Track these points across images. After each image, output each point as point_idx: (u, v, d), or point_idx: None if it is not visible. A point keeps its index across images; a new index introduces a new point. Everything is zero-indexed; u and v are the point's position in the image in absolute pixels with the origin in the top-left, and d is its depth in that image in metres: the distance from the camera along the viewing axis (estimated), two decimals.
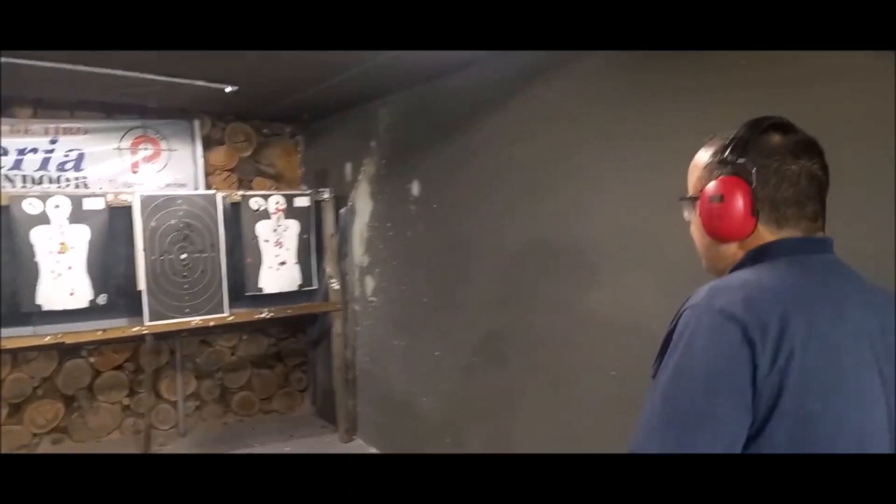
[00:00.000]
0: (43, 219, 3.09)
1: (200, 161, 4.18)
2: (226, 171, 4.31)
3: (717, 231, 0.99)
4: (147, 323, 3.29)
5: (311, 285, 3.81)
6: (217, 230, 3.48)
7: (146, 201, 3.30)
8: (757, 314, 0.84)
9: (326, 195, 3.88)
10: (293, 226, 3.73)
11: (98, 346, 3.81)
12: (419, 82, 3.18)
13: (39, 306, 3.09)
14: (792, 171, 0.95)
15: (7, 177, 3.66)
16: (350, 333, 4.01)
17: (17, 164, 3.69)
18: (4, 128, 3.64)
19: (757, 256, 0.96)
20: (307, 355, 4.59)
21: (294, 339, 4.58)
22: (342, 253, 4.02)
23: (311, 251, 3.80)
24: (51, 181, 3.77)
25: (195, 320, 3.42)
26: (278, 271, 3.68)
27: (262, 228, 3.63)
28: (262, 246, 3.63)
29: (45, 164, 3.75)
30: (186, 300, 3.40)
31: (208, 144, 4.25)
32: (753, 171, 0.94)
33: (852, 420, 0.87)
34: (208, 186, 4.20)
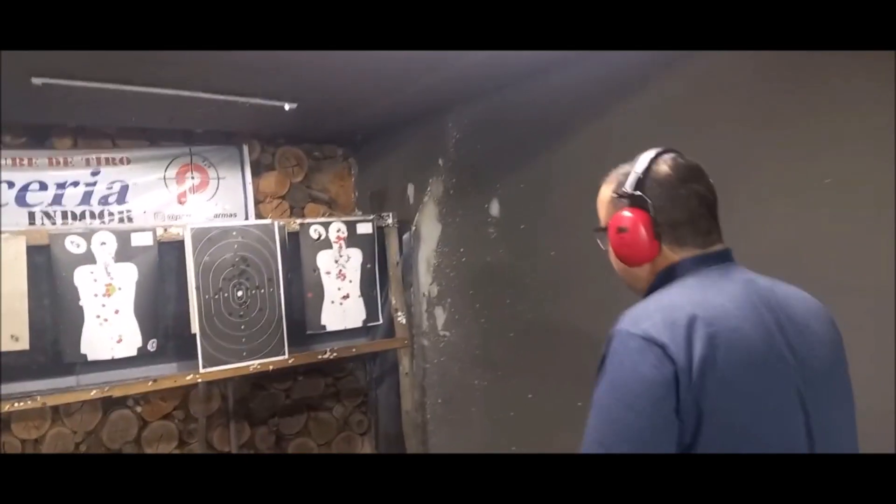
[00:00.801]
0: (88, 258, 2.78)
1: (250, 188, 3.87)
2: (276, 198, 3.99)
3: (628, 258, 1.12)
4: (202, 370, 2.94)
5: (376, 320, 3.44)
6: (275, 263, 3.14)
7: (198, 234, 2.98)
8: (674, 334, 0.94)
9: (390, 220, 3.52)
10: (356, 255, 3.38)
11: (145, 395, 3.48)
12: (494, 91, 2.83)
13: (85, 356, 2.76)
14: (682, 195, 1.08)
15: (47, 213, 3.38)
16: (419, 371, 3.63)
17: (58, 200, 3.40)
18: (42, 160, 3.37)
19: (666, 277, 1.09)
20: (367, 395, 4.20)
21: (352, 377, 4.21)
22: (406, 282, 3.65)
23: (375, 282, 3.44)
24: (93, 216, 3.48)
25: (253, 364, 3.06)
26: (341, 306, 3.32)
27: (324, 259, 3.29)
28: (324, 278, 3.28)
29: (86, 198, 3.46)
30: (243, 342, 3.05)
31: (257, 170, 3.94)
32: (649, 200, 1.08)
33: (769, 414, 0.95)
34: (258, 215, 3.89)
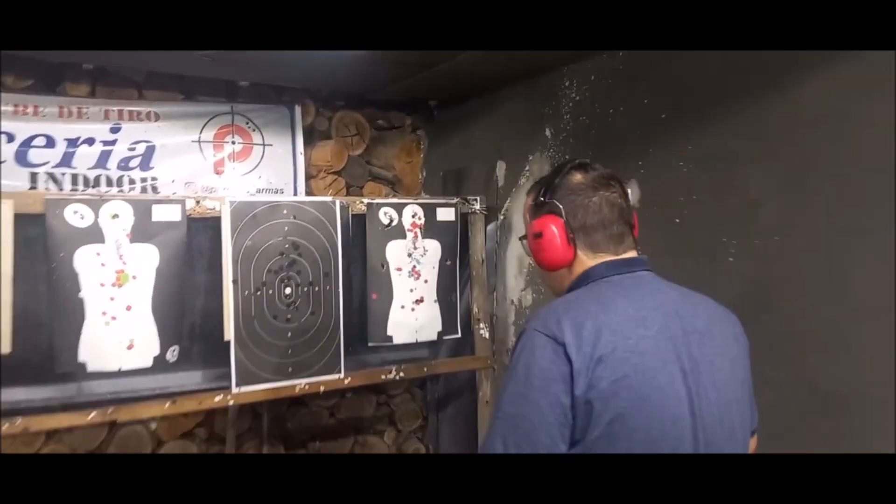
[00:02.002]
0: (94, 235, 2.09)
1: (301, 160, 3.16)
2: (331, 173, 3.28)
3: (545, 261, 1.20)
4: (235, 390, 2.24)
5: (454, 332, 2.71)
6: (334, 253, 2.43)
7: (240, 210, 2.27)
8: (576, 334, 1.01)
9: (477, 206, 2.78)
10: (433, 248, 2.65)
11: None
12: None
13: (83, 366, 2.08)
14: (593, 203, 1.18)
15: (52, 176, 2.72)
16: None
17: (67, 160, 2.73)
18: (51, 109, 2.70)
19: (580, 282, 1.18)
20: (427, 418, 3.49)
21: (409, 395, 3.49)
22: (490, 285, 2.91)
23: (455, 284, 2.71)
24: (110, 183, 2.81)
25: (300, 384, 2.36)
26: (413, 312, 2.60)
27: (395, 251, 2.56)
28: (394, 276, 2.55)
29: (103, 159, 2.79)
30: (289, 355, 2.34)
31: (310, 138, 3.23)
32: (562, 207, 1.17)
33: (657, 415, 1.00)
34: (309, 193, 3.18)
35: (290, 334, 2.35)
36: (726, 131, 1.87)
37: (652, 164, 2.12)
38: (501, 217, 2.89)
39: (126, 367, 2.13)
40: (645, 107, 2.14)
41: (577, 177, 1.19)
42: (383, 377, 2.52)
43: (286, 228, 2.35)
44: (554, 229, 1.16)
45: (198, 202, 2.23)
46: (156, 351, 2.18)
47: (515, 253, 2.80)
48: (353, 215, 2.49)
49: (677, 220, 2.03)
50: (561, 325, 1.02)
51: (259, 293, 2.30)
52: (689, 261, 1.97)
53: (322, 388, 2.40)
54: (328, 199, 2.44)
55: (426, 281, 2.62)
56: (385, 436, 3.41)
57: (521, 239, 1.32)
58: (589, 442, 0.97)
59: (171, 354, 2.21)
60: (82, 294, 2.07)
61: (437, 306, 2.65)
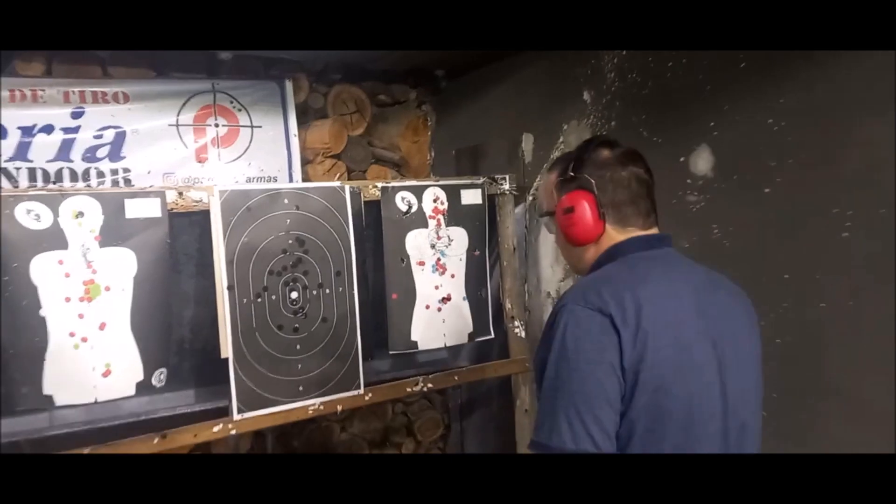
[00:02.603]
0: (54, 239, 1.69)
1: (295, 143, 2.77)
2: (329, 156, 2.89)
3: (575, 237, 1.19)
4: (237, 417, 1.87)
5: (487, 333, 2.34)
6: (347, 248, 2.05)
7: (232, 202, 1.89)
8: (619, 306, 1.01)
9: (506, 185, 2.41)
10: (459, 237, 2.28)
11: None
12: None
13: (49, 398, 1.69)
14: (623, 177, 1.17)
15: (6, 172, 2.31)
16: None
17: (22, 152, 2.32)
18: (4, 93, 2.28)
19: (610, 256, 1.16)
20: (450, 427, 3.13)
21: (427, 401, 3.14)
22: (521, 276, 2.55)
23: (486, 277, 2.34)
24: (75, 177, 2.40)
25: (314, 405, 1.99)
26: (440, 313, 2.23)
27: (415, 242, 2.19)
28: (416, 272, 2.18)
29: (65, 149, 2.38)
30: (300, 371, 1.97)
31: (304, 118, 2.84)
32: (593, 181, 1.16)
33: (695, 383, 1.04)
34: (306, 180, 2.80)
35: (298, 347, 1.97)
36: (834, 77, 1.51)
37: (729, 125, 1.76)
38: (530, 198, 2.53)
39: (103, 397, 1.75)
40: (716, 54, 1.78)
41: (605, 152, 1.19)
42: (409, 390, 2.16)
43: (288, 221, 1.97)
44: (585, 204, 1.15)
45: (180, 194, 1.84)
46: (138, 376, 1.79)
47: (551, 239, 2.44)
48: (365, 202, 2.11)
49: (767, 191, 1.67)
50: (603, 298, 1.03)
51: (260, 300, 1.92)
52: (787, 239, 1.62)
53: (339, 408, 2.04)
54: (336, 184, 2.06)
55: (453, 276, 2.25)
56: (403, 449, 3.05)
57: (542, 216, 1.31)
58: (634, 411, 0.99)
59: (158, 379, 1.83)
60: (43, 312, 1.68)
61: (466, 304, 2.29)
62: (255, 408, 1.90)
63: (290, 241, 1.97)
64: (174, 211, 1.84)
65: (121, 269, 1.76)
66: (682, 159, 1.89)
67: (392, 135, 3.09)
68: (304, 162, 2.82)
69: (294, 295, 1.97)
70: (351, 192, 2.06)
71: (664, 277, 1.10)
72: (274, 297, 1.94)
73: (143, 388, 1.81)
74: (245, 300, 1.89)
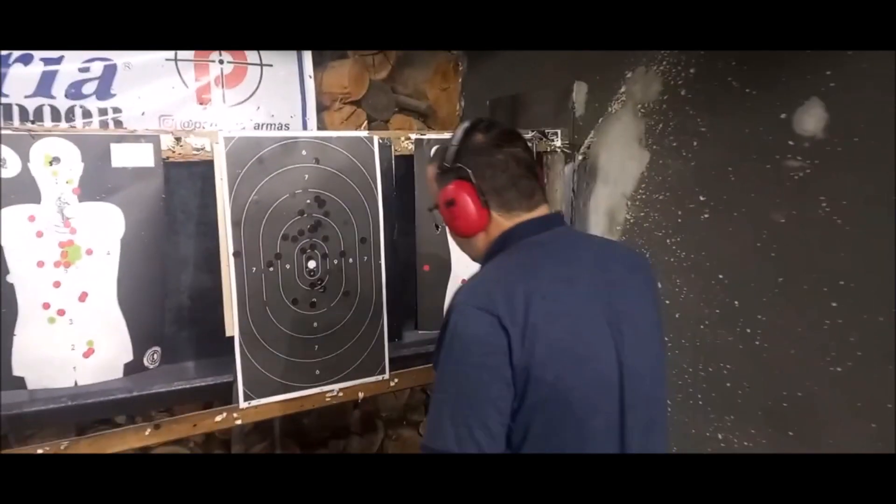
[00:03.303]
0: (23, 190, 1.39)
1: (311, 85, 2.43)
2: (348, 102, 2.55)
3: (461, 229, 1.15)
4: (244, 405, 1.60)
5: None
6: (374, 211, 1.75)
7: (240, 151, 1.57)
8: (508, 304, 0.98)
9: (557, 141, 2.09)
10: None
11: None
12: None
13: (21, 380, 1.42)
14: (499, 161, 1.12)
15: None
16: None
17: None
18: None
19: (501, 245, 1.12)
20: None
21: (412, 363, 2.87)
22: None
23: None
24: (57, 117, 2.08)
25: (333, 391, 1.72)
26: None
27: None
28: (451, 240, 1.88)
29: (45, 83, 2.05)
30: (316, 352, 1.69)
31: (321, 58, 2.49)
32: (470, 170, 1.11)
33: (591, 373, 1.01)
34: (322, 128, 2.47)
35: (316, 325, 1.69)
36: None
37: (850, 73, 1.43)
38: (581, 157, 2.21)
39: (84, 380, 1.47)
40: None
41: (479, 137, 1.14)
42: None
43: (306, 177, 1.66)
44: (465, 195, 1.11)
45: (178, 140, 1.52)
46: (127, 356, 1.51)
47: (604, 205, 2.13)
48: (396, 157, 1.79)
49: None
50: (492, 297, 0.99)
51: (272, 269, 1.62)
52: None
53: (361, 395, 1.76)
54: (362, 133, 1.74)
55: None
56: (421, 427, 2.80)
57: (431, 210, 1.27)
58: (527, 407, 0.97)
59: (151, 359, 1.55)
60: (11, 278, 1.39)
61: None
62: (264, 394, 1.63)
63: (308, 201, 1.66)
64: (171, 160, 1.52)
65: (105, 228, 1.46)
66: (783, 116, 1.56)
67: (418, 81, 2.75)
68: (321, 108, 2.48)
69: (312, 264, 1.68)
70: (381, 145, 1.74)
71: (555, 264, 1.08)
72: (288, 267, 1.65)
73: (133, 368, 1.53)
74: (254, 269, 1.60)
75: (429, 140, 1.83)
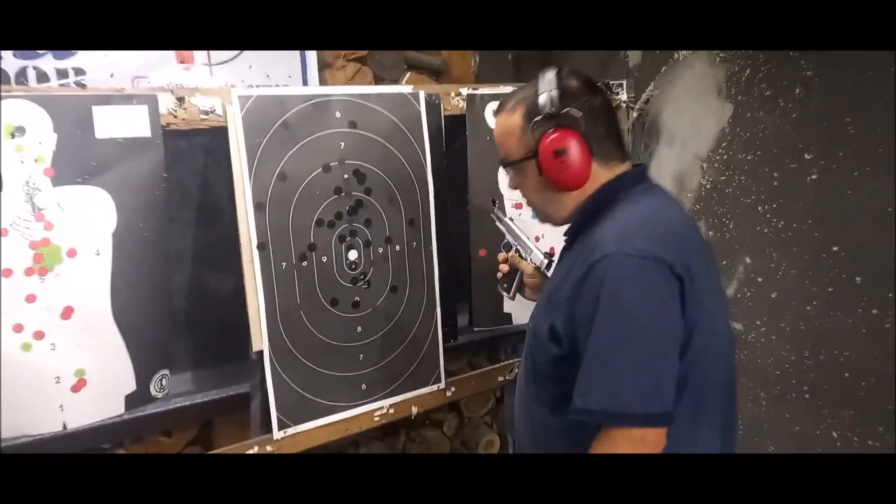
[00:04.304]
0: None
1: None
2: (352, 59, 2.18)
3: (566, 182, 1.02)
4: (278, 434, 1.27)
5: None
6: (423, 186, 1.42)
7: (261, 114, 1.22)
8: (675, 251, 0.91)
9: (623, 94, 1.79)
10: None
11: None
12: None
13: None
14: (598, 106, 1.02)
15: None
16: None
17: None
18: None
19: (608, 195, 1.01)
20: (500, 398, 2.60)
21: (470, 367, 2.58)
22: None
23: None
24: (6, 79, 1.66)
25: (382, 409, 1.40)
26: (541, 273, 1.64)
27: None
28: (514, 218, 1.57)
29: None
30: (361, 363, 1.37)
31: None
32: (580, 116, 0.98)
33: (724, 326, 1.01)
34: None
35: (359, 329, 1.37)
36: None
37: None
38: (636, 114, 1.91)
39: (76, 422, 1.12)
40: None
41: (574, 82, 1.01)
42: (500, 379, 1.59)
43: (342, 146, 1.32)
44: (577, 143, 0.98)
45: (181, 101, 1.16)
46: (129, 385, 1.17)
47: (670, 169, 1.84)
48: (446, 117, 1.46)
49: None
50: (653, 242, 0.90)
51: (306, 263, 1.29)
52: None
53: (415, 410, 1.46)
54: (407, 89, 1.40)
55: None
56: (445, 427, 2.51)
57: (507, 166, 1.08)
58: (688, 359, 0.91)
59: (159, 385, 1.21)
60: None
61: None
62: (302, 420, 1.31)
63: (346, 176, 1.32)
64: (170, 129, 1.16)
65: (91, 220, 1.10)
66: None
67: None
68: (322, 66, 2.11)
69: (353, 255, 1.35)
70: (427, 103, 1.40)
71: (673, 210, 1.02)
72: (325, 259, 1.31)
73: (137, 399, 1.18)
74: (284, 264, 1.26)
75: (482, 96, 1.50)
